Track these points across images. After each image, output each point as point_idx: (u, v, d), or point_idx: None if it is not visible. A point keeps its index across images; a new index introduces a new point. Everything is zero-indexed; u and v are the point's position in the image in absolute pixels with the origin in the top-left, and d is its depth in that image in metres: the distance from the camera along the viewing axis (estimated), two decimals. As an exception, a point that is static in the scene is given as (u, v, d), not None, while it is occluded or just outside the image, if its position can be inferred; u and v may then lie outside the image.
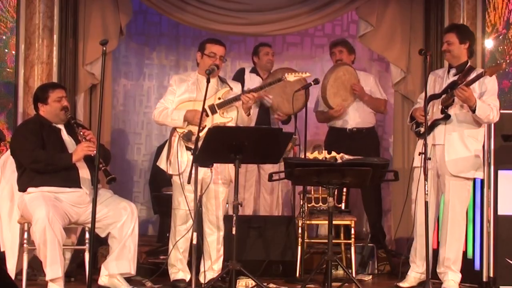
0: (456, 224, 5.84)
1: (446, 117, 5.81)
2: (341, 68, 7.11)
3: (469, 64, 5.95)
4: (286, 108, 7.16)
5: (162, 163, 5.87)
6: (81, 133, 5.67)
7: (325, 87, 7.01)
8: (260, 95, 6.66)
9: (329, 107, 7.10)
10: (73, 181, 5.60)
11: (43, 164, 5.55)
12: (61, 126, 5.79)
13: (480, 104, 5.68)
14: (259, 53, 7.43)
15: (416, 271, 5.98)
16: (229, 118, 5.79)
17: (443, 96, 5.86)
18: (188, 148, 5.72)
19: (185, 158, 5.72)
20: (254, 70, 7.45)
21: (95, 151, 5.36)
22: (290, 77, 5.90)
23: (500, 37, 7.10)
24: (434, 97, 5.94)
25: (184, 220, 5.75)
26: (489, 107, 5.72)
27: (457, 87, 5.69)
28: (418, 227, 5.88)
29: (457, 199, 5.83)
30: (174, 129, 5.82)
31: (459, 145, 5.80)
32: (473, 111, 5.68)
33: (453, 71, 5.94)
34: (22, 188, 5.61)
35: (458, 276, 5.87)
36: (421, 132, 5.89)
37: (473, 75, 5.78)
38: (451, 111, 5.82)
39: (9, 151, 5.92)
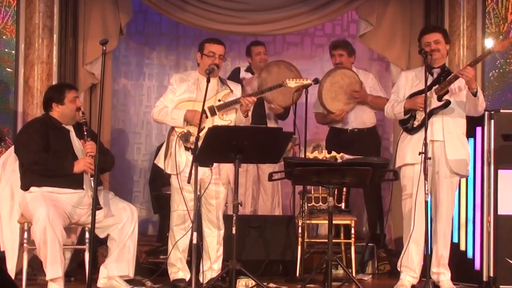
0: (450, 221, 5.80)
1: (446, 104, 5.66)
2: (338, 72, 7.08)
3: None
4: (280, 101, 7.12)
5: (160, 162, 5.85)
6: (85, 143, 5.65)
7: (321, 92, 7.00)
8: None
9: (329, 111, 7.07)
10: (76, 183, 5.61)
11: (43, 168, 5.54)
12: (70, 128, 5.77)
13: (479, 88, 5.62)
14: (251, 53, 7.45)
15: (411, 275, 5.82)
16: (228, 120, 5.78)
17: (437, 86, 5.70)
18: (186, 148, 5.72)
19: (183, 158, 5.72)
20: (249, 69, 7.48)
21: (93, 172, 5.36)
22: (291, 83, 5.90)
23: (500, 36, 7.10)
24: (420, 93, 5.71)
25: (182, 220, 5.74)
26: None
27: (454, 72, 5.59)
28: (415, 232, 5.69)
29: (451, 196, 5.79)
30: (173, 128, 5.81)
31: (457, 143, 5.74)
32: (474, 94, 5.58)
33: (437, 71, 5.80)
34: (25, 186, 5.61)
35: (449, 273, 5.82)
36: (414, 126, 5.75)
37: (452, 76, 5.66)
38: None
39: (9, 150, 5.92)
